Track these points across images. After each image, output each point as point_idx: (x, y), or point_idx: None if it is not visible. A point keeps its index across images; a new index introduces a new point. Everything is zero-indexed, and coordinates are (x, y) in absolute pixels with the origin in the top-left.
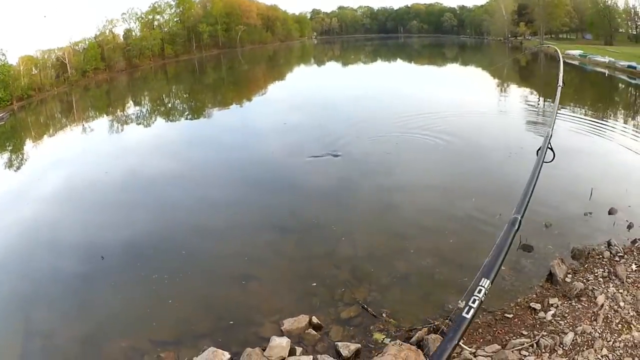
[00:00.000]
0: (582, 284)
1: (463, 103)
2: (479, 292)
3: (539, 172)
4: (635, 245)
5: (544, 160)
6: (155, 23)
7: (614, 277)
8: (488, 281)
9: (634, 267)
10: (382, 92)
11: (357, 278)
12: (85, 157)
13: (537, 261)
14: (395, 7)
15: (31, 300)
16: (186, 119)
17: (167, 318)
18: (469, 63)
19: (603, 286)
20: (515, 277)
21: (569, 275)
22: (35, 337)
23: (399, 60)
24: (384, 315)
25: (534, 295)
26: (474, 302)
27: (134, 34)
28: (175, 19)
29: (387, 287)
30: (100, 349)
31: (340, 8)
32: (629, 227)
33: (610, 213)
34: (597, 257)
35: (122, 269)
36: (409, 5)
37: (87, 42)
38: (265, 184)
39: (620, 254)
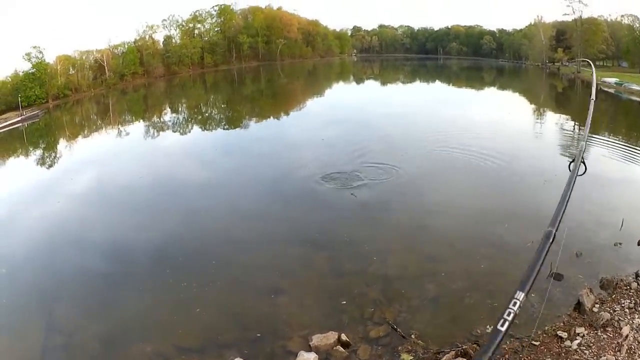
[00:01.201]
0: (609, 314)
1: (497, 126)
2: (514, 304)
3: (573, 185)
4: None
5: (578, 174)
6: (196, 32)
7: (639, 309)
8: (523, 294)
9: None
10: (419, 112)
11: (387, 298)
12: (119, 160)
13: (567, 290)
14: (436, 28)
15: (56, 299)
16: (223, 128)
17: (193, 326)
18: (507, 88)
19: (629, 317)
20: (544, 304)
21: (597, 305)
22: (59, 336)
23: (437, 82)
24: (412, 336)
25: (562, 324)
26: (508, 314)
27: (173, 41)
28: (215, 29)
29: (417, 308)
30: (124, 352)
31: (380, 26)
32: None
33: (639, 244)
34: (625, 287)
35: (151, 273)
36: (449, 27)
37: (126, 46)
38: (299, 199)
39: None
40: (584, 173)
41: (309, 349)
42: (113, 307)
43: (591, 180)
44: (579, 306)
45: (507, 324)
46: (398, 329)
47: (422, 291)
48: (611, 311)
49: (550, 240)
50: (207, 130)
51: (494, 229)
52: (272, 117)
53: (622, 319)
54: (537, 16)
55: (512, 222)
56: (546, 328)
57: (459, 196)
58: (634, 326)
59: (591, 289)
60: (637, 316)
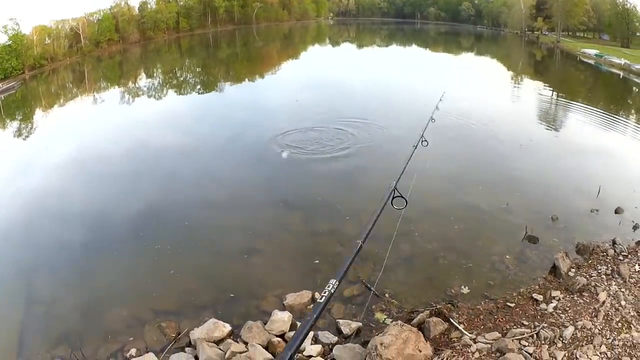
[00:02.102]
0: (585, 279)
1: (476, 92)
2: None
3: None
4: None
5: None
6: None
7: (616, 276)
8: (336, 281)
9: (637, 267)
10: (393, 77)
11: (361, 257)
12: (94, 128)
13: (542, 253)
14: None
15: (32, 268)
16: (198, 93)
17: (168, 289)
18: (484, 53)
19: (606, 283)
20: (519, 267)
21: (573, 270)
22: (36, 305)
23: (414, 46)
24: (386, 295)
25: (537, 287)
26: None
27: (149, 6)
28: None
29: (391, 268)
30: (102, 318)
31: None
32: (635, 227)
33: (616, 212)
34: (602, 254)
35: (124, 238)
36: None
37: (101, 14)
38: (272, 160)
39: (625, 254)
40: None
41: (283, 308)
42: (88, 274)
43: (568, 147)
44: (554, 270)
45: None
46: (372, 288)
47: (396, 251)
48: (587, 276)
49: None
50: (182, 94)
51: (469, 191)
52: (247, 80)
53: (598, 284)
54: None
55: (487, 185)
56: (521, 290)
57: (435, 158)
58: (611, 292)
59: (567, 253)
60: (614, 283)
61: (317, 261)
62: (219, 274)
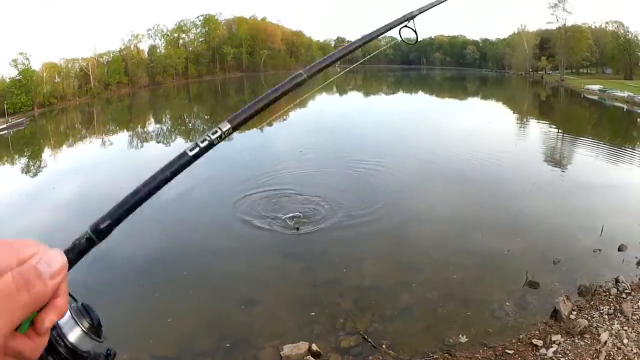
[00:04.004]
0: (587, 321)
1: (481, 134)
2: (215, 133)
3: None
4: None
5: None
6: (180, 42)
7: (619, 314)
8: (229, 125)
9: None
10: (401, 123)
11: (359, 308)
12: (101, 170)
13: (543, 298)
14: (419, 38)
15: None
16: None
17: (167, 335)
18: (490, 97)
19: (608, 323)
20: (518, 313)
21: (574, 312)
22: None
23: (420, 93)
24: (383, 346)
25: (537, 332)
26: (203, 141)
27: (158, 50)
28: (200, 39)
29: (389, 318)
30: None
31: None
32: (639, 263)
33: (620, 250)
34: (604, 294)
35: (125, 282)
36: (433, 37)
37: (111, 55)
38: (275, 205)
39: (628, 291)
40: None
41: (280, 358)
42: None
43: (572, 185)
44: (555, 314)
45: (197, 149)
46: (369, 339)
47: (395, 301)
48: (589, 318)
49: (299, 81)
50: (190, 141)
51: (470, 238)
52: (255, 128)
53: (600, 325)
54: (521, 25)
55: (488, 230)
56: (521, 336)
57: (437, 204)
58: (613, 332)
59: (568, 296)
60: (616, 322)
61: (313, 313)
62: (218, 322)
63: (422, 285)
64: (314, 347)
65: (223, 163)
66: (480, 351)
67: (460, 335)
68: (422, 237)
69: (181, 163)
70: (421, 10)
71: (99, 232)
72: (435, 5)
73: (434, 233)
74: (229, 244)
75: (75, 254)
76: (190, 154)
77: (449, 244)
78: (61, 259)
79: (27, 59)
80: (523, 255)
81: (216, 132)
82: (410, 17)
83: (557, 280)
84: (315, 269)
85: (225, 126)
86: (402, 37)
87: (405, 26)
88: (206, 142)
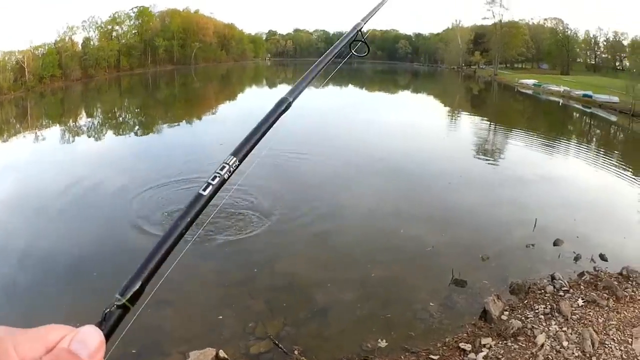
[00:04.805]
0: (520, 322)
1: (410, 128)
2: (222, 169)
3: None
4: (583, 278)
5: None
6: (114, 34)
7: (557, 314)
8: (236, 161)
9: (580, 302)
10: (332, 116)
11: (271, 310)
12: (33, 166)
13: (471, 297)
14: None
15: None
16: (135, 134)
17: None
18: (421, 90)
19: (544, 324)
20: (444, 314)
21: (506, 313)
22: None
23: (350, 86)
24: (295, 352)
25: (465, 335)
26: (214, 179)
27: (92, 43)
28: (133, 31)
29: (302, 321)
30: None
31: (296, 30)
32: (576, 259)
33: (555, 244)
34: (539, 292)
35: (33, 286)
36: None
37: (46, 48)
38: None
39: (565, 288)
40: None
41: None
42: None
43: (504, 178)
44: (485, 314)
45: (210, 188)
46: (280, 345)
47: (309, 303)
48: (523, 318)
49: (283, 108)
50: (119, 135)
51: (391, 234)
52: (183, 122)
53: (536, 326)
54: (455, 20)
55: (411, 225)
56: (447, 340)
57: (358, 199)
58: (551, 334)
59: (499, 295)
60: (553, 322)
61: (221, 317)
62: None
63: (339, 285)
64: (222, 353)
65: (141, 155)
66: (402, 357)
67: (379, 340)
68: (340, 234)
69: (200, 205)
70: (366, 20)
71: (131, 297)
72: (378, 10)
73: (353, 229)
74: (131, 239)
75: (109, 326)
76: (205, 193)
77: (369, 240)
78: (97, 335)
79: None
80: (449, 252)
81: (224, 167)
82: (359, 29)
83: (487, 277)
84: (225, 269)
85: (232, 160)
86: (354, 52)
87: (355, 40)
88: (217, 179)
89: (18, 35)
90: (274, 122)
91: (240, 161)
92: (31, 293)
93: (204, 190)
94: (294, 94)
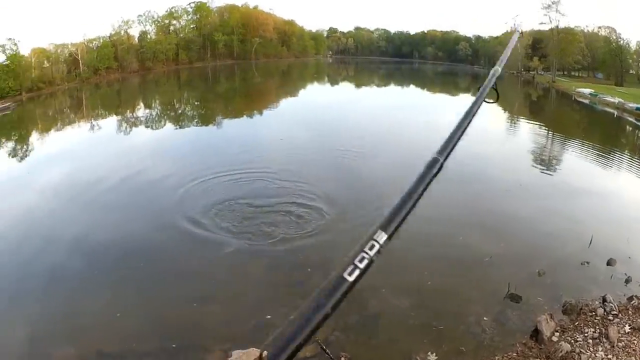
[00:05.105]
0: (569, 346)
1: (471, 132)
2: (371, 248)
3: (476, 112)
4: (631, 303)
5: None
6: (171, 28)
7: (604, 340)
8: (385, 236)
9: (627, 328)
10: (392, 118)
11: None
12: (88, 155)
13: (524, 314)
14: (412, 32)
15: None
16: (195, 125)
17: (113, 330)
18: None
19: (591, 349)
20: (496, 330)
21: (557, 334)
22: None
23: (411, 87)
24: (342, 359)
25: (515, 355)
26: (361, 260)
27: (149, 36)
28: (191, 26)
29: (353, 327)
30: (48, 354)
31: (357, 28)
32: (627, 281)
33: (608, 264)
34: (590, 314)
35: (76, 272)
36: (425, 31)
37: (101, 41)
38: (249, 197)
39: (615, 312)
40: (495, 101)
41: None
42: (41, 307)
43: (561, 189)
44: (536, 334)
45: (357, 272)
46: (327, 350)
47: (361, 308)
48: (572, 341)
49: (435, 171)
50: (178, 127)
51: (450, 240)
52: (244, 116)
53: (584, 351)
54: (515, 24)
55: (470, 232)
56: (497, 358)
57: (420, 202)
58: None
59: (552, 315)
60: (600, 349)
61: (269, 316)
62: (168, 321)
63: (393, 291)
64: (265, 354)
65: (198, 148)
66: None
67: (429, 353)
68: (399, 237)
69: (342, 291)
70: (501, 63)
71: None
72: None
73: (412, 233)
74: (187, 236)
75: None
76: (350, 279)
77: (427, 246)
78: None
79: (15, 44)
80: (506, 263)
81: (373, 246)
82: (495, 75)
83: (541, 294)
84: (278, 267)
85: (381, 236)
86: (485, 100)
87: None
88: (365, 261)
89: (71, 29)
90: (425, 188)
91: (390, 237)
92: (76, 280)
93: (349, 274)
94: (445, 153)
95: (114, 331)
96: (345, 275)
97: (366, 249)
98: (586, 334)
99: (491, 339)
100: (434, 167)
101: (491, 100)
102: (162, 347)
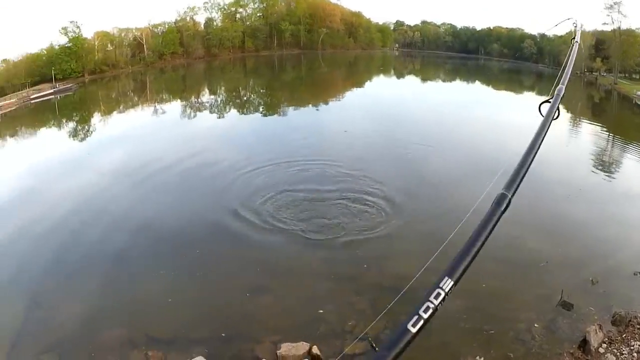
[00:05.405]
0: (615, 358)
1: (531, 132)
2: (437, 296)
3: (545, 135)
4: None
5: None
6: (238, 16)
7: None
8: (451, 282)
9: None
10: (457, 115)
11: (375, 310)
12: (150, 138)
13: (574, 323)
14: (478, 28)
15: (42, 272)
16: (260, 113)
17: (165, 315)
18: (545, 93)
19: None
20: (546, 338)
21: (604, 345)
22: (39, 310)
23: (477, 83)
24: None
25: None
26: (426, 310)
27: (215, 23)
28: (257, 14)
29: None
30: (97, 333)
31: (423, 22)
32: None
33: None
34: (638, 326)
35: (137, 256)
36: (491, 28)
37: (166, 26)
38: (310, 188)
39: None
40: (557, 117)
41: (275, 357)
42: (97, 286)
43: (620, 196)
44: (584, 344)
45: (420, 323)
46: (377, 348)
47: (413, 307)
48: (618, 354)
49: (502, 208)
50: (243, 114)
51: (504, 244)
52: (310, 105)
53: None
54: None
55: (529, 235)
56: None
57: (482, 199)
58: None
59: (601, 326)
60: None
61: (321, 310)
62: (220, 310)
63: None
64: (315, 349)
65: (259, 135)
66: None
67: (477, 357)
68: (458, 235)
69: (404, 342)
70: (564, 82)
71: None
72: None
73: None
74: (245, 225)
75: None
76: (413, 330)
77: (486, 247)
78: None
79: (77, 27)
80: (561, 269)
81: (439, 294)
82: (557, 106)
83: (593, 303)
84: (335, 262)
85: (447, 283)
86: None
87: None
88: (430, 311)
89: (135, 14)
90: (493, 228)
91: (456, 283)
92: (132, 263)
93: (413, 325)
94: (512, 188)
95: (164, 316)
96: (409, 326)
97: (431, 298)
98: (632, 347)
99: (540, 347)
100: (501, 205)
101: (555, 118)
102: (211, 335)
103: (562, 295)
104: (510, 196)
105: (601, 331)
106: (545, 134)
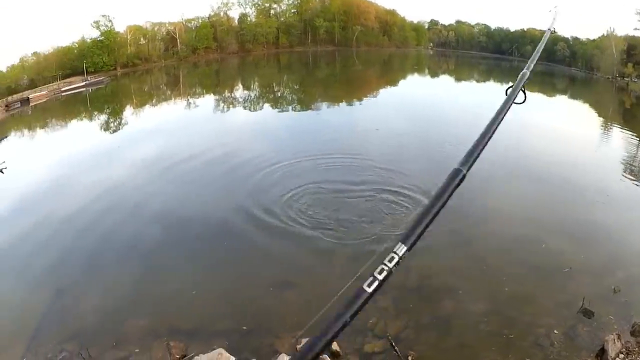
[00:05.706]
0: None
1: (563, 135)
2: (391, 260)
3: (504, 116)
4: None
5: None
6: (272, 11)
7: None
8: (405, 248)
9: None
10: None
11: (396, 309)
12: (184, 133)
13: (594, 331)
14: (512, 29)
15: (67, 261)
16: (293, 109)
17: (188, 307)
18: (577, 97)
19: None
20: (564, 345)
21: (621, 356)
22: (63, 298)
23: (510, 83)
24: (409, 358)
25: None
26: (381, 272)
27: (248, 19)
28: (292, 10)
29: (424, 326)
30: (120, 323)
31: (458, 22)
32: None
33: None
34: None
35: (162, 247)
36: (525, 29)
37: (199, 21)
38: (340, 186)
39: None
40: (523, 102)
41: (295, 352)
42: (121, 277)
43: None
44: (602, 353)
45: (376, 284)
46: (396, 347)
47: (436, 308)
48: None
49: (456, 182)
50: (277, 110)
51: (532, 246)
52: (343, 103)
53: None
54: (610, 28)
55: (553, 240)
56: None
57: (505, 204)
58: None
59: (620, 335)
60: None
61: None
62: (243, 303)
63: (470, 294)
64: (335, 346)
65: (291, 131)
66: None
67: None
68: (482, 238)
69: (360, 302)
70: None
71: None
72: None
73: (495, 235)
74: (272, 220)
75: None
76: (369, 290)
77: (509, 250)
78: None
79: (110, 21)
80: (584, 276)
81: (393, 258)
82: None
83: (613, 312)
84: (359, 258)
85: (401, 248)
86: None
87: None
88: (384, 273)
89: (168, 9)
90: (446, 201)
91: (410, 249)
92: (159, 254)
93: (369, 285)
94: (467, 164)
95: (187, 308)
96: (365, 286)
97: (385, 261)
98: None
99: (558, 354)
100: (455, 179)
101: (520, 102)
102: (232, 328)
103: (583, 303)
104: (465, 172)
105: (619, 341)
106: (504, 115)
